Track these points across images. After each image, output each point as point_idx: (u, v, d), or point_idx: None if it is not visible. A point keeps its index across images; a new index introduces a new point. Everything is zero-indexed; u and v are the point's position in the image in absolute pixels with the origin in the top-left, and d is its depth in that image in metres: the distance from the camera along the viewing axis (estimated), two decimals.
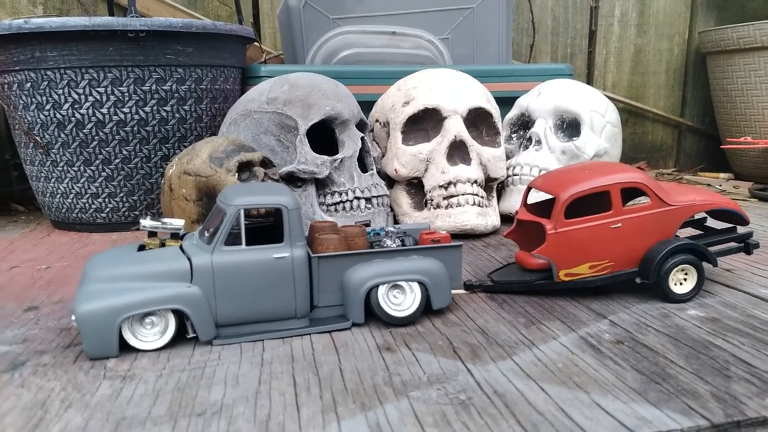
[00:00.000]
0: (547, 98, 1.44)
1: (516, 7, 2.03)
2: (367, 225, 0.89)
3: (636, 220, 0.84)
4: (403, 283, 0.79)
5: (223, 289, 0.71)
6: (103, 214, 1.36)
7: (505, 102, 1.56)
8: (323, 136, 1.30)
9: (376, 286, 0.77)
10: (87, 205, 1.35)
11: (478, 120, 1.35)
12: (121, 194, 1.35)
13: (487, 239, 1.25)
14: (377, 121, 1.40)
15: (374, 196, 1.26)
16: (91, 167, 1.32)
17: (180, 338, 0.73)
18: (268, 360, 0.68)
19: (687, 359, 0.67)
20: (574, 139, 1.39)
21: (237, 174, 1.09)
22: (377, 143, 1.40)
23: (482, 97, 1.34)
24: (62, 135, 1.29)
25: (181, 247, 0.75)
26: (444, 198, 1.27)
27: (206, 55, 1.37)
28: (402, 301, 0.79)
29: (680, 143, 2.29)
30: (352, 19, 1.67)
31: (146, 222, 0.75)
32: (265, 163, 1.18)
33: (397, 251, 0.80)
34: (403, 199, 1.34)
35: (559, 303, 0.86)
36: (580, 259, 0.84)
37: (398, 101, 1.34)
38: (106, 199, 1.34)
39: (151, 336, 0.71)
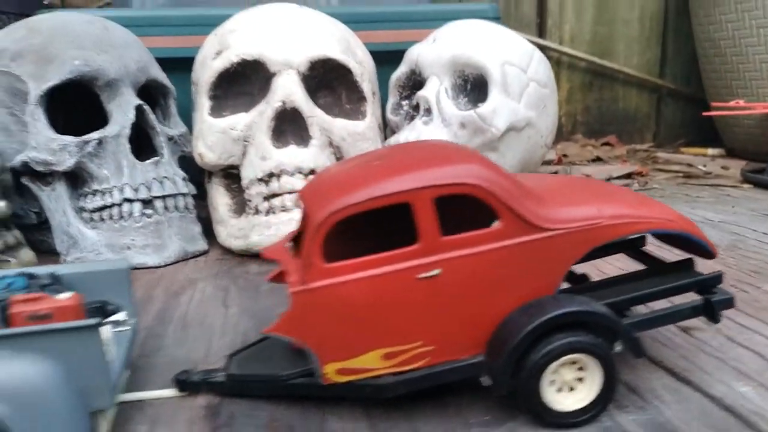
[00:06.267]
0: (443, 46, 0.99)
1: None
2: None
3: (471, 262, 0.40)
4: None
5: None
6: None
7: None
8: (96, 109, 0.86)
9: None
10: None
11: (332, 79, 0.91)
12: None
13: None
14: (193, 83, 0.96)
15: (158, 197, 0.83)
16: None
17: None
18: None
19: None
20: (479, 105, 0.95)
21: None
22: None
23: (334, 43, 0.89)
24: None
25: None
26: (264, 198, 0.83)
27: None
28: None
29: (660, 111, 1.83)
30: None
31: None
32: None
33: None
34: (221, 199, 0.90)
35: (330, 427, 0.43)
36: (364, 342, 0.41)
37: (210, 52, 0.90)
38: None
39: None
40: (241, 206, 0.89)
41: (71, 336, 0.39)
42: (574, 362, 0.41)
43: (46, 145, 0.79)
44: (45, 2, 1.28)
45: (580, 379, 0.42)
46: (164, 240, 0.83)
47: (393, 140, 0.99)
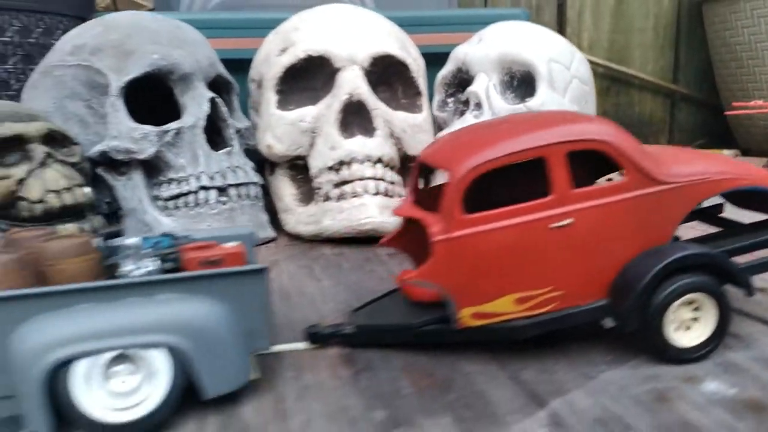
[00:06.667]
0: (490, 45, 1.04)
1: None
2: (113, 235, 0.49)
3: (599, 212, 0.45)
4: (133, 352, 0.39)
5: None
6: None
7: (444, 59, 1.16)
8: (167, 102, 0.89)
9: (69, 362, 0.38)
10: None
11: (391, 74, 0.96)
12: None
13: None
14: (253, 80, 1.00)
15: (232, 185, 0.86)
16: None
17: None
18: None
19: None
20: (527, 99, 1.00)
21: None
22: (256, 112, 1.00)
23: (392, 41, 0.94)
24: None
25: None
26: (335, 185, 0.87)
27: None
28: (135, 388, 0.40)
29: (674, 115, 1.90)
30: None
31: None
32: (54, 138, 0.79)
33: (125, 286, 0.41)
34: (286, 189, 0.94)
35: (464, 369, 0.46)
36: (498, 288, 0.45)
37: (274, 49, 0.94)
38: None
39: None
40: (306, 196, 0.93)
41: (243, 279, 0.42)
42: (691, 302, 0.45)
43: (127, 134, 0.82)
44: (101, 6, 1.32)
45: (696, 319, 0.46)
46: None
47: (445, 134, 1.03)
